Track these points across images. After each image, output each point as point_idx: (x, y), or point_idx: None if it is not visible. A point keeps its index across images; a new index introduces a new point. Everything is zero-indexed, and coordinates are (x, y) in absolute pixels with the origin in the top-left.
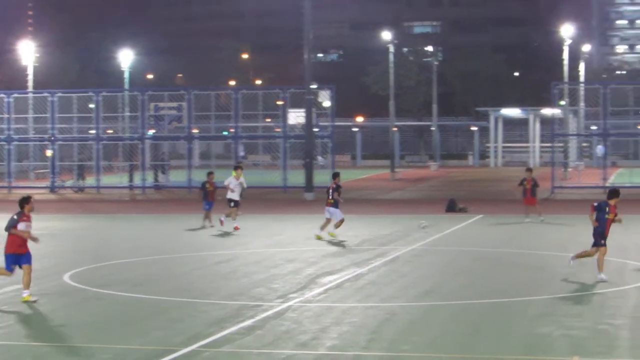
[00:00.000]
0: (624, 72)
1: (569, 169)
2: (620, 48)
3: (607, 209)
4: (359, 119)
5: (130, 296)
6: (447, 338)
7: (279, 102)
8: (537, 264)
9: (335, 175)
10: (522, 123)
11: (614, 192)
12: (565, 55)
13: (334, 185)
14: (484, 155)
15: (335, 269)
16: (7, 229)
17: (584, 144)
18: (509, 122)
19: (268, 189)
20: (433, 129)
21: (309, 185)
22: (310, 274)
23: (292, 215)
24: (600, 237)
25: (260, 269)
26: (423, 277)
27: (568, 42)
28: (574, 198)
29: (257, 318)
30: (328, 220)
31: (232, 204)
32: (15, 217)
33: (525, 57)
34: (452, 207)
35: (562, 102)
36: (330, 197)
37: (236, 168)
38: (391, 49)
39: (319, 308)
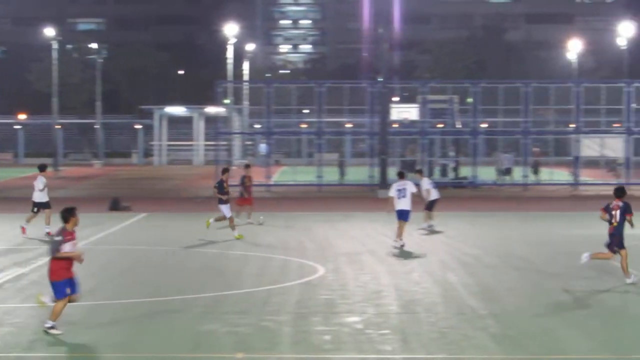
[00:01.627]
0: (288, 71)
1: (233, 167)
2: (284, 47)
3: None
4: (22, 116)
5: None
6: (110, 338)
7: None
8: (202, 262)
9: (224, 171)
10: (187, 121)
11: (623, 190)
12: (230, 54)
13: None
14: (148, 153)
15: None
16: (53, 253)
17: (248, 142)
18: (174, 121)
19: None
20: (97, 127)
21: None
22: None
23: None
24: (622, 238)
25: None
26: (85, 276)
27: (232, 41)
28: (235, 196)
29: None
30: (231, 218)
31: (36, 208)
32: (57, 238)
33: (190, 56)
34: (115, 206)
35: (227, 101)
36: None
37: (43, 168)
38: (55, 45)
39: None
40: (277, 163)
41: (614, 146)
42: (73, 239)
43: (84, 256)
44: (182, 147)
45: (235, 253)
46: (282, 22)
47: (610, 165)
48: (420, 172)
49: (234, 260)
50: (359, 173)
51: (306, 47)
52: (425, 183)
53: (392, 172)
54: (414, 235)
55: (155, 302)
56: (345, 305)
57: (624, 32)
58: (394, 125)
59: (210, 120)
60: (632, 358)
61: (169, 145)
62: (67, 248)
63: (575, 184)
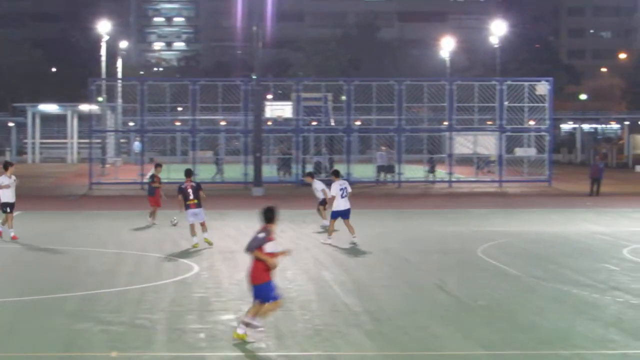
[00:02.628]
0: (161, 68)
1: (107, 165)
2: (158, 45)
3: None
4: None
5: None
6: None
7: None
8: (75, 261)
9: (189, 173)
10: (60, 119)
11: None
12: (103, 51)
13: (194, 184)
14: (21, 151)
15: None
16: (251, 249)
17: (122, 140)
18: (47, 118)
19: None
20: None
21: None
22: None
23: None
24: None
25: None
26: None
27: (106, 38)
28: (112, 194)
29: None
30: (194, 225)
31: (8, 208)
32: (260, 235)
33: (63, 53)
34: None
35: (100, 99)
36: (192, 197)
37: (8, 165)
38: None
39: None
40: (151, 161)
41: (487, 144)
42: (273, 239)
43: (282, 259)
44: (55, 145)
45: (108, 251)
46: (155, 19)
47: (479, 163)
48: (311, 175)
49: (107, 258)
50: (233, 171)
51: (180, 45)
52: (319, 183)
53: (266, 170)
54: (287, 232)
55: (27, 301)
56: (220, 303)
57: (496, 30)
58: (268, 123)
59: (84, 118)
60: (505, 354)
61: (42, 143)
62: (269, 248)
63: (449, 181)
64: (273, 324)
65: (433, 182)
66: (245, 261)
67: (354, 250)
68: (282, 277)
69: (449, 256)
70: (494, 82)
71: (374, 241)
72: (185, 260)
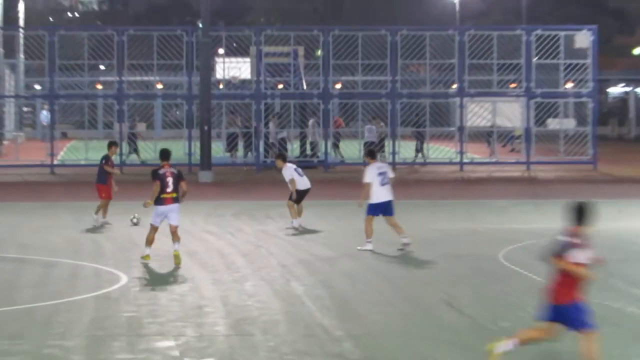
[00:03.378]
0: (77, 14)
1: (5, 142)
2: None
3: None
4: None
5: None
6: None
7: None
8: None
9: (167, 155)
10: None
11: None
12: None
13: (174, 171)
14: None
15: None
16: (556, 254)
17: (26, 109)
18: None
19: None
20: None
21: None
22: None
23: None
24: None
25: None
26: None
27: None
28: (11, 180)
29: None
30: (156, 229)
31: None
32: (564, 238)
33: None
34: None
35: None
36: (172, 189)
37: None
38: None
39: None
40: (64, 136)
41: (510, 113)
42: (584, 246)
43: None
44: None
45: (6, 257)
46: None
47: (498, 138)
48: (283, 157)
49: (5, 266)
50: (174, 149)
51: None
52: (290, 169)
53: (216, 148)
54: (246, 231)
55: None
56: (155, 325)
57: None
58: (219, 87)
59: None
60: None
61: None
62: (578, 257)
63: (459, 163)
64: (227, 353)
65: (423, 163)
66: (191, 270)
67: (332, 255)
68: (240, 291)
69: (460, 262)
70: (518, 32)
71: (360, 243)
72: (108, 269)
